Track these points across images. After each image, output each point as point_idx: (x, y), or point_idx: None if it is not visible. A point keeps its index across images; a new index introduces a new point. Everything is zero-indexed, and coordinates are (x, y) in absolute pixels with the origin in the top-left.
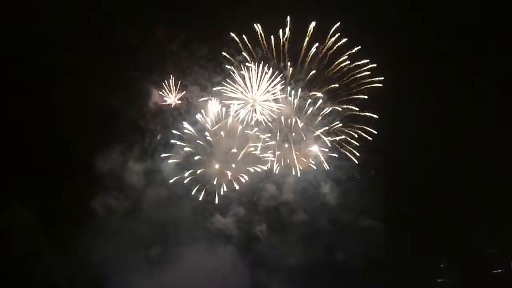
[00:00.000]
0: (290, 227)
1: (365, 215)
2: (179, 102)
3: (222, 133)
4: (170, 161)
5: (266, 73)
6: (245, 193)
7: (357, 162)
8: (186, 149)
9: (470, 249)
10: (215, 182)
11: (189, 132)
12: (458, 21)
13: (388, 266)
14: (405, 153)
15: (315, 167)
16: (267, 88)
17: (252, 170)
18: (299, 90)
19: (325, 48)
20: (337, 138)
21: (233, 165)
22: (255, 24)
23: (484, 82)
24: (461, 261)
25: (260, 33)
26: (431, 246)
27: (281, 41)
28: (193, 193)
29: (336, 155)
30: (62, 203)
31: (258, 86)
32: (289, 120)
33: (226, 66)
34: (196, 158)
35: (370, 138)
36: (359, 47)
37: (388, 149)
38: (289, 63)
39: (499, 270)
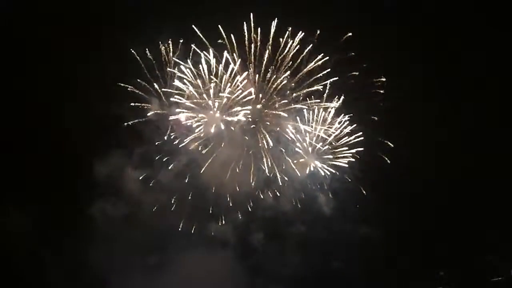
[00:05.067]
0: (288, 235)
1: (363, 224)
2: (180, 114)
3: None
4: (153, 181)
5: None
6: (242, 202)
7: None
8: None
9: (470, 256)
10: (211, 211)
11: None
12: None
13: (386, 274)
14: (404, 163)
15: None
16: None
17: (262, 197)
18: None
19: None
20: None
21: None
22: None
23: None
24: (461, 269)
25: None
26: (430, 253)
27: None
28: (180, 226)
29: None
30: (61, 208)
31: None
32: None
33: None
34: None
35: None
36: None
37: (387, 157)
38: (288, 73)
39: (499, 278)
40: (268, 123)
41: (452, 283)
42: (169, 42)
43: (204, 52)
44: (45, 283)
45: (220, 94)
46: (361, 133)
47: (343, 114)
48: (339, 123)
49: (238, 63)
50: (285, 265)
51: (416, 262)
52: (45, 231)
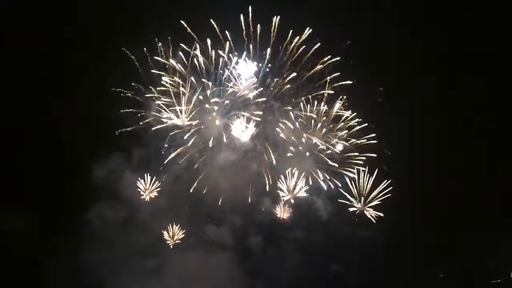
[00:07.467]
0: (287, 239)
1: (363, 226)
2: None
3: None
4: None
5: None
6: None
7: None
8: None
9: (469, 259)
10: (209, 219)
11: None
12: None
13: (386, 277)
14: (405, 166)
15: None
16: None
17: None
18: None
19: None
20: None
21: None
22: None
23: None
24: (460, 272)
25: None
26: (430, 256)
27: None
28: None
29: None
30: (60, 210)
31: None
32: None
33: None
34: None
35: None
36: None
37: (387, 162)
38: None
39: (499, 280)
40: (269, 129)
41: (452, 286)
42: (170, 44)
43: (203, 56)
44: (43, 285)
45: (215, 99)
46: (374, 134)
47: (350, 111)
48: (347, 128)
49: (238, 66)
50: (284, 268)
51: (416, 265)
52: (44, 233)
